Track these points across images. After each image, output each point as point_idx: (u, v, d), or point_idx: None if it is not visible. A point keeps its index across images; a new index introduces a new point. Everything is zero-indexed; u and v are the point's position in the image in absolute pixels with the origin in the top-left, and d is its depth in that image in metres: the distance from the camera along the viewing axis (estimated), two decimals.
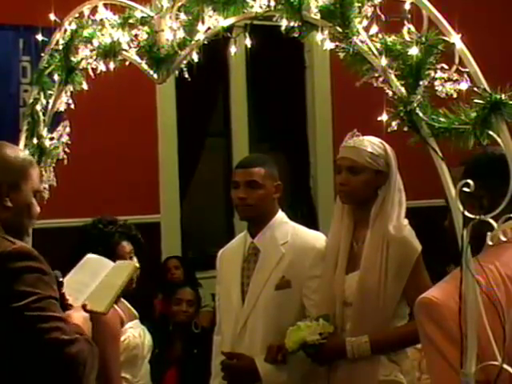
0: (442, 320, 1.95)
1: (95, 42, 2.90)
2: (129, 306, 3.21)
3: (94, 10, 2.95)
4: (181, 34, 2.68)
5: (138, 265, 2.75)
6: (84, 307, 2.43)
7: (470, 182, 1.93)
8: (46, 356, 2.05)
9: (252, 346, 3.17)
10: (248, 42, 2.56)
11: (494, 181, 2.01)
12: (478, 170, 2.10)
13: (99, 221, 3.27)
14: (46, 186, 3.16)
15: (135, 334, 3.20)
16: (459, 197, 1.96)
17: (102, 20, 2.90)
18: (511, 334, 1.94)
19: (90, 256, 2.78)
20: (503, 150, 1.96)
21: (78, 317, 2.30)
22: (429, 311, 1.99)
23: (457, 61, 2.01)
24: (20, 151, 2.41)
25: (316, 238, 3.26)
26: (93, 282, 2.61)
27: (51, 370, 2.06)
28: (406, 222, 3.06)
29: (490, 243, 1.95)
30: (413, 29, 2.09)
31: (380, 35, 2.15)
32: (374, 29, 2.16)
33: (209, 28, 2.60)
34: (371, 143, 3.08)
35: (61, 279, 2.40)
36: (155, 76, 2.83)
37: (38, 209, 2.36)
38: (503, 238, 1.95)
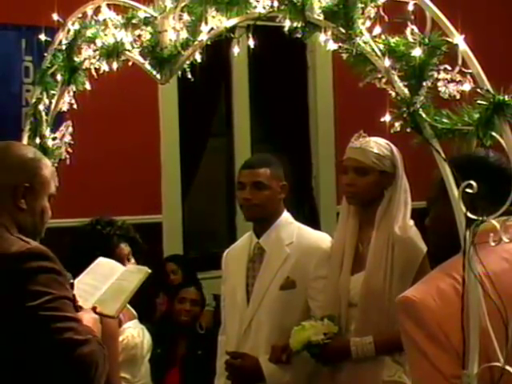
0: (421, 318, 1.96)
1: (98, 42, 2.90)
2: (127, 305, 3.20)
3: (97, 10, 2.95)
4: (184, 34, 2.68)
5: (149, 270, 2.74)
6: (94, 310, 2.44)
7: (473, 183, 1.92)
8: (58, 356, 2.06)
9: (256, 346, 3.18)
10: (251, 43, 2.56)
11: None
12: (458, 171, 2.08)
13: (97, 222, 3.24)
14: None
15: (134, 333, 3.19)
16: (462, 198, 1.96)
17: (105, 20, 2.90)
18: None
19: (101, 259, 2.77)
20: (483, 153, 1.97)
21: (87, 318, 2.30)
22: (408, 309, 1.99)
23: (460, 62, 2.01)
24: (38, 153, 2.38)
25: (321, 239, 3.26)
26: (103, 285, 2.60)
27: (63, 370, 2.07)
28: (411, 222, 3.06)
29: (493, 244, 1.95)
30: (416, 30, 2.09)
31: (383, 36, 2.15)
32: (377, 30, 2.16)
33: (212, 28, 2.60)
34: (377, 144, 3.08)
35: (71, 281, 2.40)
36: (158, 76, 2.83)
37: (50, 213, 2.35)
38: (505, 240, 1.94)
